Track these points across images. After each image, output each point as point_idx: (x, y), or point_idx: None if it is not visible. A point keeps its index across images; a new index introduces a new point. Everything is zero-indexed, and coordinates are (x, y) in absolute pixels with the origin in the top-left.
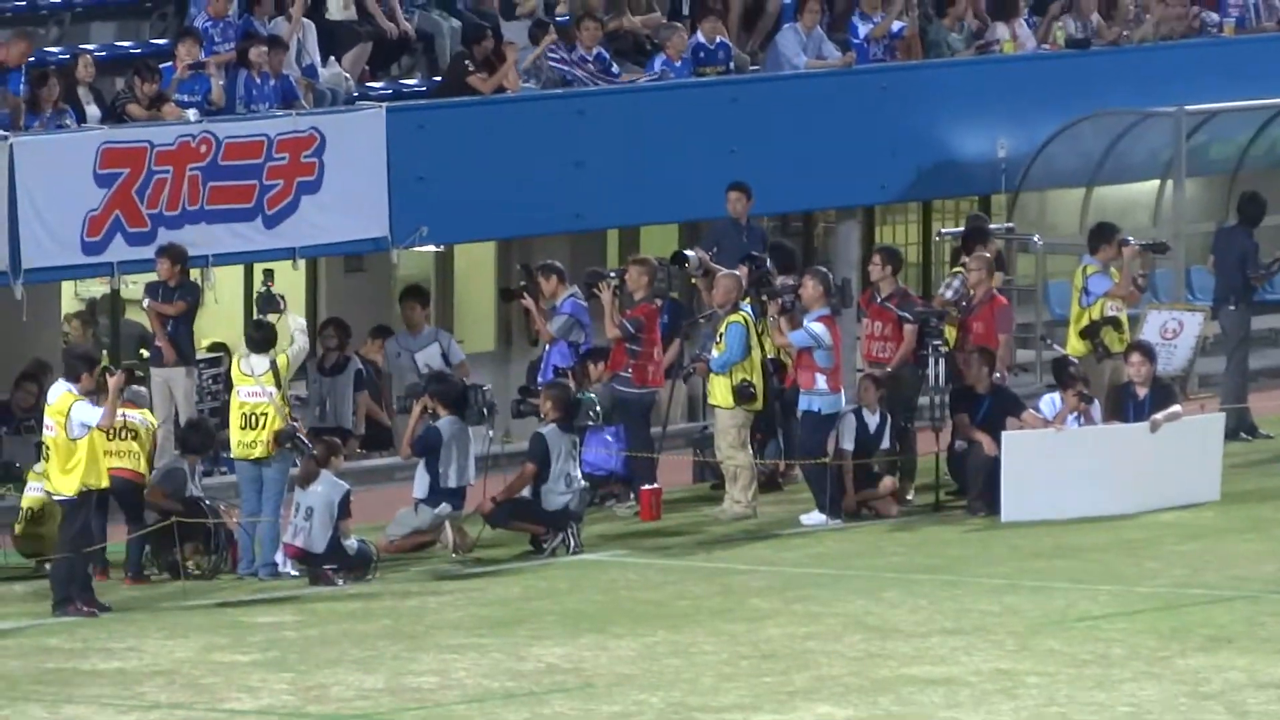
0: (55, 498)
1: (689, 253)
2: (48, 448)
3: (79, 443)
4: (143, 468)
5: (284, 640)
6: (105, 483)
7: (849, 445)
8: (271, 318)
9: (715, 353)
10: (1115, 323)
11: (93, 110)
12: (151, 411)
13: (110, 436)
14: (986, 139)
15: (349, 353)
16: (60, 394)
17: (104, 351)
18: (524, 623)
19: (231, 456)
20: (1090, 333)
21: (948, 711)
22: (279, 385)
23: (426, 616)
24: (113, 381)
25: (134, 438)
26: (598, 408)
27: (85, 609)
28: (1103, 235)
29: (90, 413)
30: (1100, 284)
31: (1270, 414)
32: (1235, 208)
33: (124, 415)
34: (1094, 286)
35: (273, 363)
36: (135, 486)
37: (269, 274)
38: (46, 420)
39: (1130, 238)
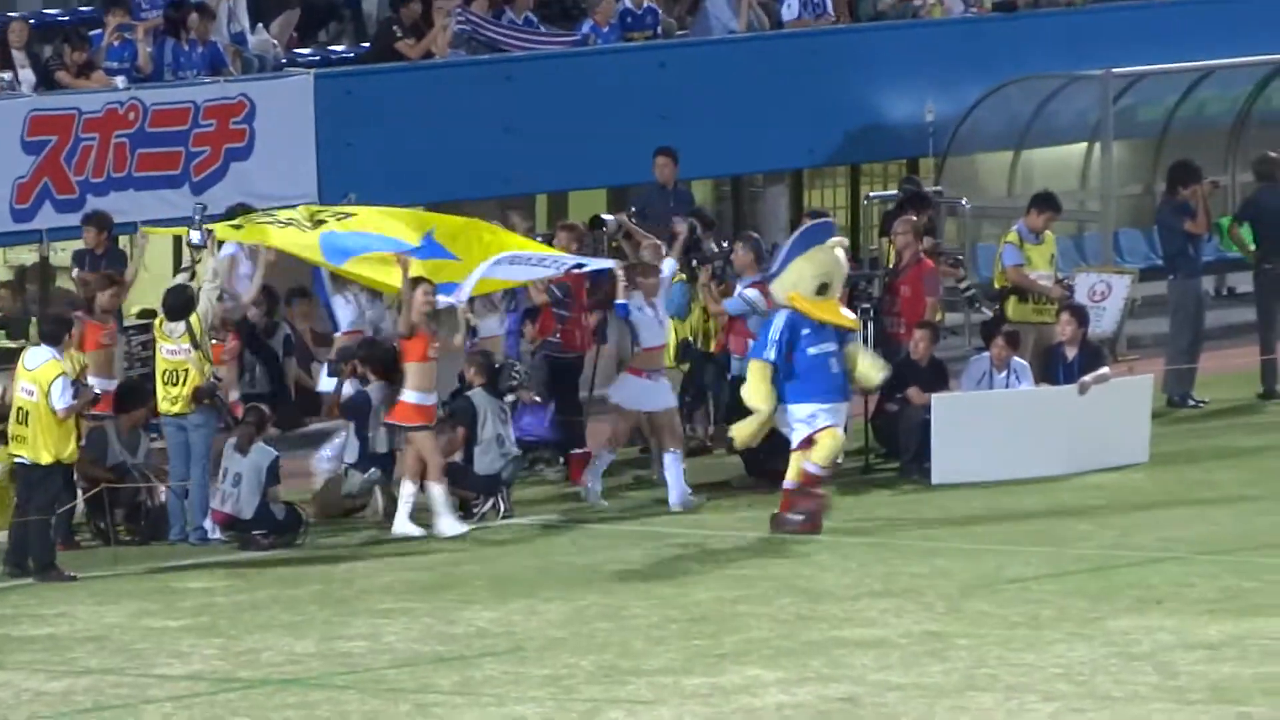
0: (22, 460)
1: (607, 216)
2: (21, 410)
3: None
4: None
5: (214, 605)
6: (70, 455)
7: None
8: (200, 255)
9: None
10: (1020, 292)
11: (27, 74)
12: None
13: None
14: (914, 102)
15: (278, 319)
16: (44, 361)
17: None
18: (454, 587)
19: (158, 414)
20: (997, 296)
21: (878, 674)
22: (195, 344)
23: (356, 581)
24: (84, 396)
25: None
26: (519, 369)
27: (67, 573)
28: (1039, 203)
29: (60, 398)
30: (1010, 255)
31: (1203, 375)
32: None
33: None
34: (1006, 256)
35: (188, 322)
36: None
37: (201, 206)
38: (22, 384)
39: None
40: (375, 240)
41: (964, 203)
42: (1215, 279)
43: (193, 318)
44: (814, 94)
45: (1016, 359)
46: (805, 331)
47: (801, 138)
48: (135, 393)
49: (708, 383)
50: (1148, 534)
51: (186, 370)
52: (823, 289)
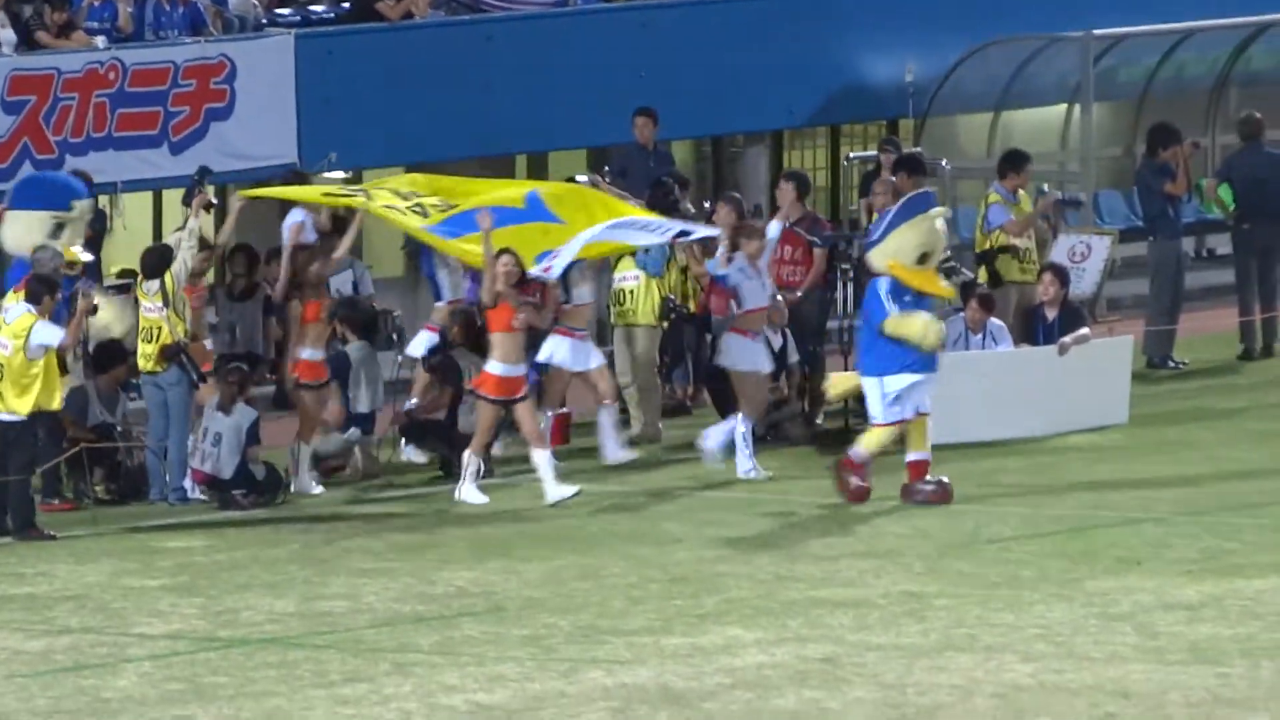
0: (5, 417)
1: (580, 177)
2: (0, 366)
3: (36, 363)
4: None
5: (194, 565)
6: (58, 405)
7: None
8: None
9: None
10: (1014, 250)
11: (7, 34)
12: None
13: None
14: (895, 63)
15: (258, 279)
16: (20, 314)
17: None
18: (433, 547)
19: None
20: (985, 259)
21: (857, 634)
22: (167, 303)
23: (336, 541)
24: (82, 304)
25: None
26: None
27: (47, 532)
28: (1011, 162)
29: (51, 333)
30: (998, 215)
31: (1182, 337)
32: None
33: None
34: (993, 216)
35: (162, 281)
36: None
37: (205, 169)
38: (0, 339)
39: (1046, 187)
40: (473, 215)
41: (944, 164)
42: (1195, 240)
43: (167, 276)
44: (794, 54)
45: (994, 320)
46: (905, 299)
47: (781, 98)
48: (113, 352)
49: (687, 343)
50: (1127, 495)
51: (161, 328)
52: (923, 258)
